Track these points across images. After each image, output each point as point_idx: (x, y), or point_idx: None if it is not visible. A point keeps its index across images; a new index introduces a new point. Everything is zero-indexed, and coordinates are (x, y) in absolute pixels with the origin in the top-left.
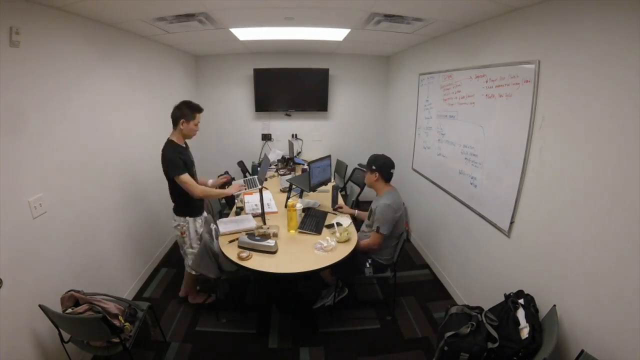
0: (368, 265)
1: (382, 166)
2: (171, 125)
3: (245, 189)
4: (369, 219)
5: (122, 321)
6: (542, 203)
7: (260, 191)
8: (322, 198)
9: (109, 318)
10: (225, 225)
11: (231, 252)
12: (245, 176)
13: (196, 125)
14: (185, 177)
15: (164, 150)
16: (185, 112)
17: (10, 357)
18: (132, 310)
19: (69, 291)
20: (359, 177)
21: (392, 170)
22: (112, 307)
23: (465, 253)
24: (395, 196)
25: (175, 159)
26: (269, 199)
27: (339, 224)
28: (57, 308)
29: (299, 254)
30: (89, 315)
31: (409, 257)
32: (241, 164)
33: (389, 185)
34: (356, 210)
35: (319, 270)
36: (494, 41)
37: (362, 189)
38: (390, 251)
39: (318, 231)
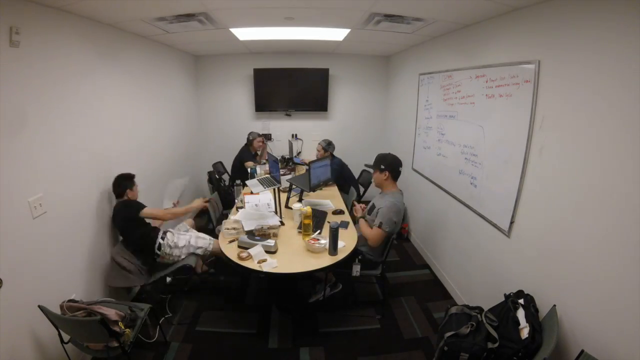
0: (357, 262)
1: (391, 165)
2: (171, 125)
3: (208, 202)
4: (369, 213)
5: (122, 327)
6: (542, 203)
7: (277, 190)
8: (322, 197)
9: (108, 323)
10: (248, 222)
11: (231, 252)
12: (214, 183)
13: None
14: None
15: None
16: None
17: (10, 357)
18: (133, 315)
19: (68, 301)
20: (365, 178)
21: (400, 169)
22: (112, 313)
23: (465, 253)
24: (401, 199)
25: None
26: (269, 199)
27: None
28: (57, 309)
29: (299, 254)
30: (88, 318)
31: (409, 257)
32: (218, 166)
33: (396, 186)
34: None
35: (319, 270)
36: (494, 41)
37: (365, 190)
38: (381, 248)
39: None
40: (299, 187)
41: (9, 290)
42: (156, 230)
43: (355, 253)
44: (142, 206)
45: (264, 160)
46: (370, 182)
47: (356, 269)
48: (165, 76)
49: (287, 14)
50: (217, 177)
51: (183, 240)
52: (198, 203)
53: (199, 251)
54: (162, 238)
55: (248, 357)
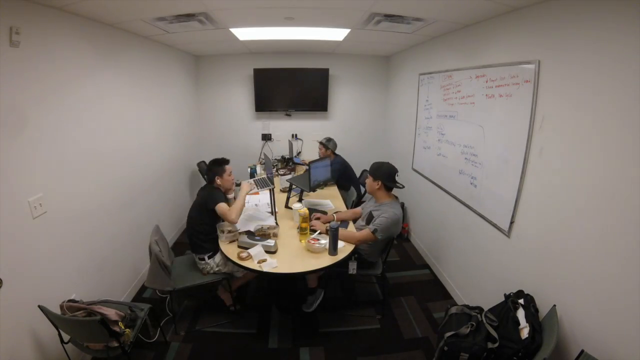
0: (353, 259)
1: (384, 175)
2: (171, 124)
3: (254, 188)
4: (366, 221)
5: (122, 327)
6: (542, 203)
7: (272, 191)
8: (322, 197)
9: (108, 323)
10: (244, 224)
11: (231, 253)
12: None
13: (229, 175)
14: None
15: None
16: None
17: (10, 357)
18: (133, 315)
19: (68, 301)
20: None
21: (395, 179)
22: (112, 313)
23: (465, 253)
24: (400, 209)
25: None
26: (269, 199)
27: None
28: (57, 309)
29: (299, 254)
30: (88, 318)
31: (409, 257)
32: (202, 165)
33: (391, 196)
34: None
35: (319, 270)
36: (494, 41)
37: (366, 190)
38: (376, 252)
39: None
40: (299, 187)
41: (9, 290)
42: (215, 243)
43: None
44: (221, 199)
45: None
46: None
47: (352, 267)
48: (166, 76)
49: (287, 14)
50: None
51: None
52: (246, 187)
53: (238, 274)
54: (210, 257)
55: (248, 357)
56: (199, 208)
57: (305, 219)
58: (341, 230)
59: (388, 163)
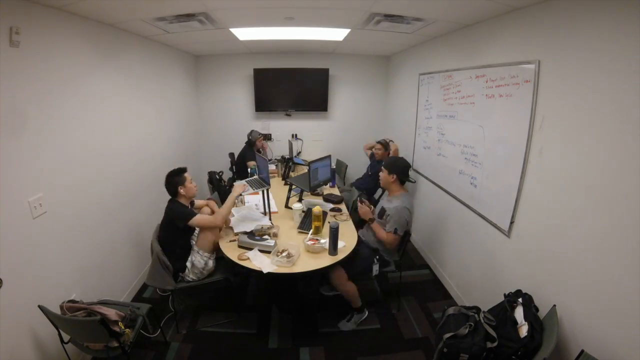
0: (375, 261)
1: (400, 169)
2: (171, 124)
3: (248, 189)
4: (379, 217)
5: (122, 327)
6: (542, 203)
7: (266, 192)
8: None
9: (108, 323)
10: (238, 225)
11: (231, 252)
12: (214, 183)
13: (191, 183)
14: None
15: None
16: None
17: (10, 357)
18: (133, 315)
19: (68, 301)
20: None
21: (408, 173)
22: (112, 314)
23: (465, 253)
24: (411, 200)
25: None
26: (270, 198)
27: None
28: (57, 309)
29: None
30: (88, 318)
31: (409, 257)
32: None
33: (404, 188)
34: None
35: (320, 270)
36: (494, 41)
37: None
38: (394, 251)
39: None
40: (299, 187)
41: (9, 290)
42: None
43: (373, 252)
44: (192, 215)
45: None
46: None
47: (375, 269)
48: (166, 76)
49: (287, 14)
50: (218, 177)
51: (211, 263)
52: (239, 188)
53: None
54: (186, 271)
55: (248, 357)
56: (168, 227)
57: (319, 217)
58: (374, 225)
59: (402, 158)
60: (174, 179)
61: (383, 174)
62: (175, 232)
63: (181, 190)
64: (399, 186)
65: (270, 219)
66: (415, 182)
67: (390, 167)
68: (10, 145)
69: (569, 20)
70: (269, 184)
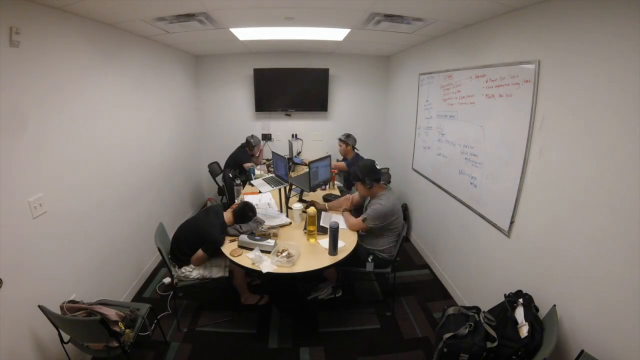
0: (370, 260)
1: (367, 173)
2: (171, 124)
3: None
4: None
5: (122, 327)
6: (542, 203)
7: (285, 190)
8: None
9: (108, 323)
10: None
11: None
12: (227, 182)
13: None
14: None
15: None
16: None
17: (10, 357)
18: (133, 316)
19: (68, 302)
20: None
21: (377, 168)
22: (112, 314)
23: (465, 253)
24: (390, 198)
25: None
26: (269, 198)
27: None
28: (57, 309)
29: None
30: (88, 318)
31: (409, 257)
32: (214, 167)
33: (381, 186)
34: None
35: (319, 270)
36: (494, 41)
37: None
38: (391, 248)
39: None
40: (299, 187)
41: (9, 290)
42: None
43: (367, 253)
44: (219, 242)
45: (263, 161)
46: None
47: (370, 267)
48: (166, 76)
49: (287, 14)
50: (230, 176)
51: (195, 273)
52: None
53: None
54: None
55: (248, 357)
56: (194, 236)
57: (313, 219)
58: (345, 214)
59: (363, 161)
60: (248, 213)
61: (359, 188)
62: (192, 247)
63: (226, 217)
64: (378, 187)
65: (287, 216)
66: (388, 169)
67: (358, 176)
68: (11, 145)
69: (568, 20)
70: (287, 181)
